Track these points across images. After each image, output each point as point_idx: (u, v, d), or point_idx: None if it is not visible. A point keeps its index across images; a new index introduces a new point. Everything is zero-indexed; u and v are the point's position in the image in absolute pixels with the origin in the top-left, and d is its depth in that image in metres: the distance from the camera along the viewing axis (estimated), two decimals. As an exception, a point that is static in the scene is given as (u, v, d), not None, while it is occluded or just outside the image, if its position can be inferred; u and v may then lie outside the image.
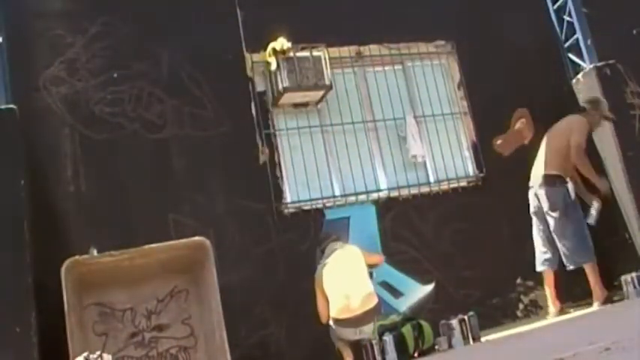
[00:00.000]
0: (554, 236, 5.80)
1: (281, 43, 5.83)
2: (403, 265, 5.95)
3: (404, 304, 5.83)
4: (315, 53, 5.96)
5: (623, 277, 5.63)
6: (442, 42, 6.80)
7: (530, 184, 5.97)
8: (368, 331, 4.90)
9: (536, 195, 5.87)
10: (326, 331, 5.23)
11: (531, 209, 5.96)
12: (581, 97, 6.68)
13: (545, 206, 5.81)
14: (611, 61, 6.59)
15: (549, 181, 5.83)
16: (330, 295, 5.04)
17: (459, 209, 6.30)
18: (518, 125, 6.55)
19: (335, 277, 5.09)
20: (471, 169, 6.60)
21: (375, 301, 4.99)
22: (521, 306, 6.27)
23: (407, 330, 5.00)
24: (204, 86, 5.83)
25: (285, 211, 5.81)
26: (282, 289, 5.56)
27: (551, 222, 5.80)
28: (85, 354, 4.20)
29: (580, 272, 5.92)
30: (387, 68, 6.59)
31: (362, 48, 6.48)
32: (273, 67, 5.86)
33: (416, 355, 4.98)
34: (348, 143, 6.23)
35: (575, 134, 5.91)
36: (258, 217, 5.71)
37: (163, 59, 5.78)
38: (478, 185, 6.49)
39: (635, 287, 5.50)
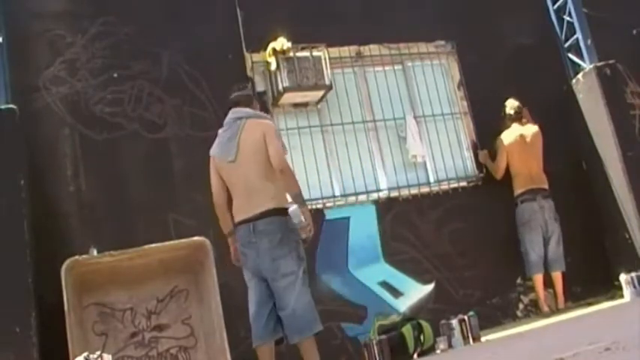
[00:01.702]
0: (554, 243, 6.13)
1: (281, 43, 5.83)
2: (403, 265, 5.96)
3: (404, 304, 5.83)
4: (315, 53, 5.97)
5: (623, 277, 5.64)
6: (442, 42, 6.80)
7: (530, 195, 6.18)
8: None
9: (542, 207, 6.17)
10: (325, 332, 5.23)
11: (528, 217, 6.16)
12: (581, 97, 6.70)
13: (551, 216, 6.17)
14: (611, 61, 6.59)
15: (549, 194, 6.23)
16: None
17: (459, 209, 6.30)
18: (517, 125, 6.55)
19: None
20: (470, 169, 6.60)
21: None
22: (521, 306, 6.27)
23: (407, 330, 5.01)
24: (204, 86, 5.83)
25: (285, 211, 5.80)
26: (282, 289, 5.55)
27: (555, 230, 6.15)
28: (85, 354, 4.20)
29: (582, 272, 5.97)
30: (387, 68, 6.59)
31: (362, 48, 6.48)
32: (273, 67, 5.87)
33: (416, 355, 4.98)
34: (348, 143, 6.23)
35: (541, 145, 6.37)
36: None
37: (163, 59, 5.79)
38: (478, 185, 6.49)
39: (635, 287, 5.51)
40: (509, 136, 6.35)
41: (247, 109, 4.34)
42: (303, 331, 4.04)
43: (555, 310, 5.98)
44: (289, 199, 4.13)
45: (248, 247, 4.15)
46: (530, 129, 6.37)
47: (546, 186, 6.24)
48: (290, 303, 4.04)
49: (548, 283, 6.21)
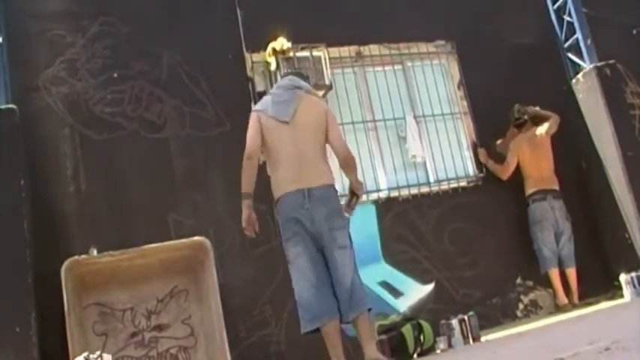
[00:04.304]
0: (565, 241, 6.23)
1: (281, 43, 5.83)
2: (403, 265, 5.96)
3: (404, 304, 5.83)
4: (315, 53, 5.97)
5: (622, 277, 5.63)
6: (442, 42, 6.80)
7: (541, 195, 6.27)
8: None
9: (552, 207, 6.26)
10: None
11: (540, 217, 6.24)
12: (581, 97, 6.70)
13: (562, 215, 6.27)
14: (611, 61, 6.59)
15: (559, 195, 6.33)
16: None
17: (459, 209, 6.30)
18: (517, 125, 6.55)
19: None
20: (470, 169, 6.60)
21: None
22: (521, 306, 6.28)
23: (407, 330, 5.00)
24: (204, 86, 5.83)
25: (285, 211, 5.80)
26: (282, 289, 5.55)
27: (567, 229, 6.25)
28: (85, 354, 4.21)
29: (582, 272, 6.01)
30: (387, 68, 6.59)
31: (362, 48, 6.49)
32: (273, 67, 5.87)
33: (416, 355, 4.98)
34: (348, 143, 6.21)
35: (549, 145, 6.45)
36: (258, 217, 5.69)
37: (163, 59, 5.78)
38: (478, 185, 6.49)
39: (635, 287, 5.51)
40: (518, 141, 6.43)
41: (307, 84, 4.39)
42: (359, 306, 3.98)
43: (571, 306, 6.02)
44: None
45: (299, 213, 4.03)
46: (537, 131, 6.43)
47: (557, 187, 6.33)
48: (348, 275, 3.97)
49: (548, 283, 6.22)
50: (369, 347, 3.96)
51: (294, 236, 4.08)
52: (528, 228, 6.31)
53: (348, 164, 4.24)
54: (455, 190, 6.40)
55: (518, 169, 6.41)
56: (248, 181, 4.20)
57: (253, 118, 4.27)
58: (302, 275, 4.04)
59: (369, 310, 4.05)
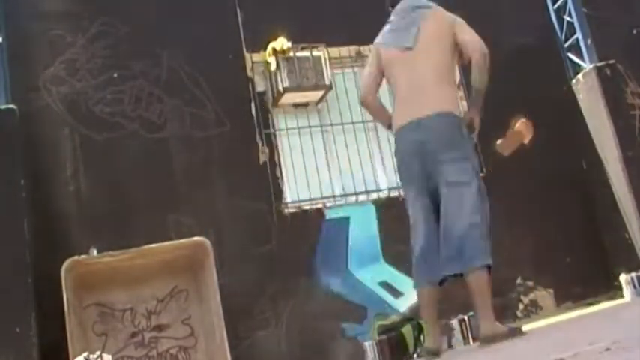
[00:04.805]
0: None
1: (281, 43, 5.83)
2: (403, 265, 5.94)
3: (404, 304, 5.83)
4: (315, 53, 5.97)
5: (622, 277, 5.63)
6: (442, 42, 6.79)
7: None
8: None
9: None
10: (325, 332, 5.23)
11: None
12: (581, 97, 6.70)
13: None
14: (611, 61, 6.59)
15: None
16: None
17: (459, 209, 6.28)
18: (517, 125, 6.53)
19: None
20: (471, 169, 6.59)
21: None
22: (521, 306, 6.27)
23: (407, 330, 5.00)
24: (204, 86, 5.83)
25: (285, 211, 5.81)
26: (282, 289, 5.56)
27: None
28: (85, 354, 4.21)
29: (582, 272, 5.98)
30: (387, 68, 6.58)
31: (362, 48, 6.48)
32: (273, 67, 5.87)
33: (416, 355, 4.98)
34: (348, 143, 6.23)
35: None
36: (258, 217, 5.71)
37: (163, 59, 5.79)
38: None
39: (635, 287, 5.51)
40: None
41: (426, 1, 3.87)
42: (471, 261, 3.45)
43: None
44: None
45: (410, 148, 3.53)
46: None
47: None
48: (460, 220, 3.49)
49: (548, 283, 6.21)
50: (483, 319, 3.47)
51: (407, 181, 3.67)
52: (529, 228, 6.26)
53: (480, 63, 3.88)
54: (455, 190, 6.39)
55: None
56: (382, 116, 3.84)
57: (371, 54, 3.83)
58: (414, 226, 3.65)
59: (489, 268, 3.50)
